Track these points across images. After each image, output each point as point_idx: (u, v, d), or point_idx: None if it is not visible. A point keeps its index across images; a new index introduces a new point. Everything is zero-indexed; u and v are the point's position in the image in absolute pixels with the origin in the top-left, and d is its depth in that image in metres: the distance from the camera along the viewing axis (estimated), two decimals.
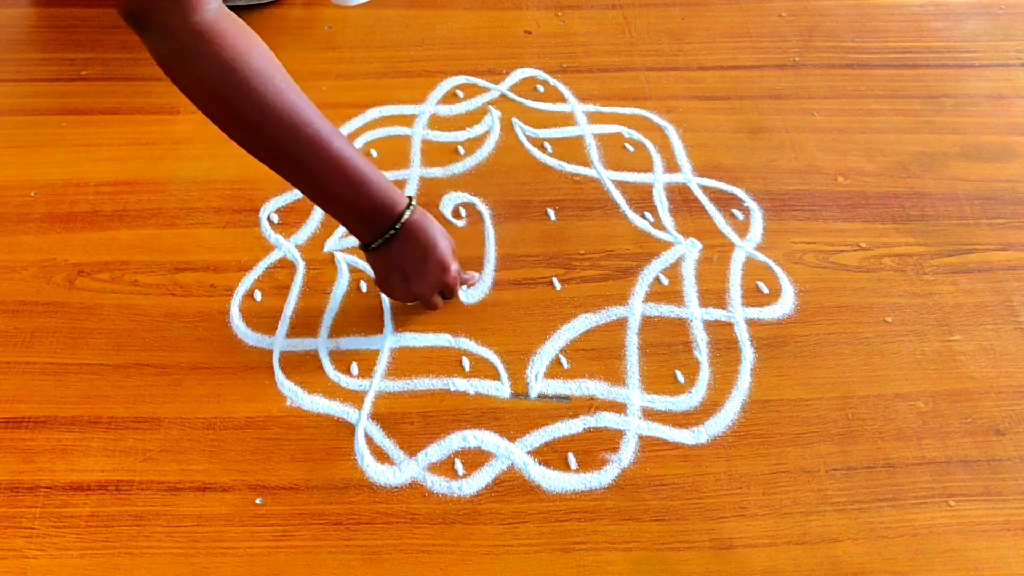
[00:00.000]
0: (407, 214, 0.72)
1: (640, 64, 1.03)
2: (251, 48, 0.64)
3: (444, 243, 0.75)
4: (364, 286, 0.82)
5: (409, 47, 1.04)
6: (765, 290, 0.83)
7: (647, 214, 0.89)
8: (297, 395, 0.74)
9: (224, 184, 0.89)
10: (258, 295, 0.81)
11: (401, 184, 0.90)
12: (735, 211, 0.89)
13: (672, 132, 0.96)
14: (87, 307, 0.79)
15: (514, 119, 0.97)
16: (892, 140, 0.96)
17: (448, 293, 0.78)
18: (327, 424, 0.73)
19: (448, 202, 0.89)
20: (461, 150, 0.94)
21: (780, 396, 0.75)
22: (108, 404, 0.73)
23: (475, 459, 0.71)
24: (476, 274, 0.82)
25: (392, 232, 0.72)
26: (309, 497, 0.68)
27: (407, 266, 0.74)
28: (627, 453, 0.72)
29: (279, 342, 0.77)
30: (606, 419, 0.73)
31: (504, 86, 1.00)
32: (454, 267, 0.76)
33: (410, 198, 0.73)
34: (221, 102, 0.64)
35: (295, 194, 0.88)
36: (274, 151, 0.67)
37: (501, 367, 0.76)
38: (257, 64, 0.64)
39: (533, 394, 0.75)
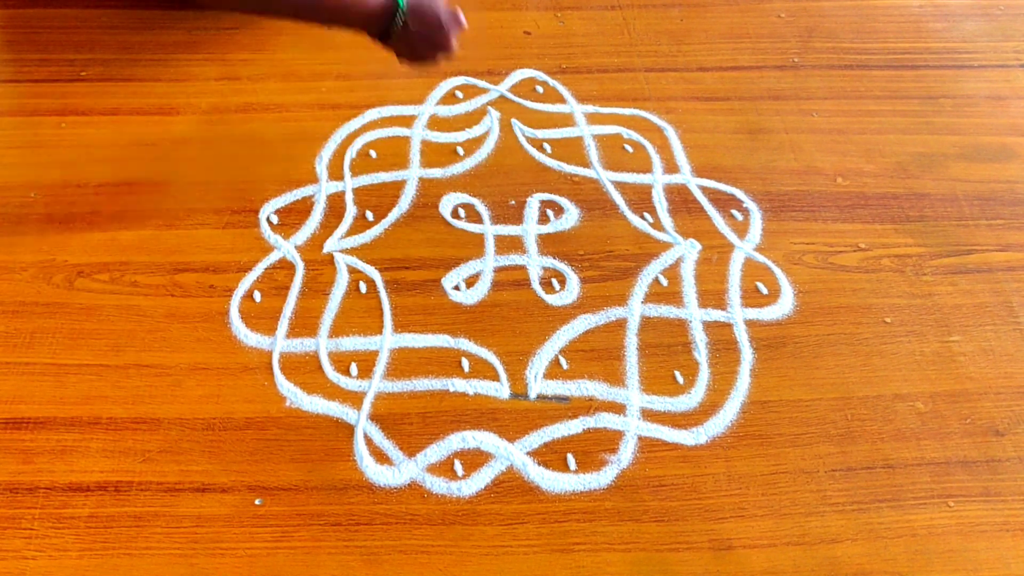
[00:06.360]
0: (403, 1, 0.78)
1: (639, 65, 1.03)
2: None
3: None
4: (363, 287, 0.82)
5: None
6: (764, 291, 0.83)
7: (646, 215, 0.89)
8: (296, 396, 0.74)
9: (224, 184, 0.89)
10: (257, 296, 0.81)
11: (400, 185, 0.90)
12: (734, 212, 0.89)
13: (671, 133, 0.96)
14: (87, 308, 0.79)
15: (513, 120, 0.97)
16: (891, 141, 0.96)
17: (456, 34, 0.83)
18: (326, 425, 0.73)
19: (447, 203, 0.89)
20: (460, 151, 0.94)
21: (779, 397, 0.75)
22: (108, 405, 0.73)
23: (474, 460, 0.71)
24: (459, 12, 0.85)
25: (400, 21, 0.78)
26: (308, 498, 0.68)
27: (429, 25, 0.80)
28: (626, 454, 0.72)
29: (278, 343, 0.77)
30: (605, 420, 0.73)
31: (503, 87, 1.00)
32: (458, 13, 0.82)
33: None
34: None
35: (294, 194, 0.88)
36: None
37: (500, 368, 0.76)
38: None
39: (532, 395, 0.75)
